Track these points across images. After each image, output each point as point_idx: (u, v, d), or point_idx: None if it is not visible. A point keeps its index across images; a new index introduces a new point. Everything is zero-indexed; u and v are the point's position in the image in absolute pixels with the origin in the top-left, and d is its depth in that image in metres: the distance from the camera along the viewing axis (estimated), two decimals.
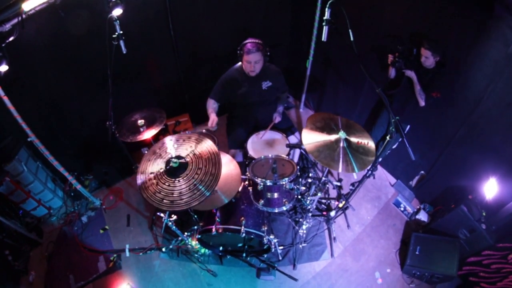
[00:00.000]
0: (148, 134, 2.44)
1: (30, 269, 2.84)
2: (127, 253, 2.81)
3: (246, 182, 2.42)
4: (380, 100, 3.15)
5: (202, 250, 2.75)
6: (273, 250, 2.49)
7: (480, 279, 2.48)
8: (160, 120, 2.55)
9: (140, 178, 1.85)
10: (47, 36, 2.44)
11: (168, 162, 1.88)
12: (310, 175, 2.69)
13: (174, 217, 2.27)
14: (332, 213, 2.79)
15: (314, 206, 2.51)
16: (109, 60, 2.08)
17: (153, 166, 1.90)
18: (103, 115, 2.41)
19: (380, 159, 2.21)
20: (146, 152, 2.10)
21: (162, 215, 2.24)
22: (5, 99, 2.15)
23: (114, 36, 2.01)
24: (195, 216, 2.49)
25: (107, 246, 2.93)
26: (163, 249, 2.80)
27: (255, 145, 2.65)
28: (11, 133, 2.70)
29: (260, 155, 2.36)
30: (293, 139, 2.82)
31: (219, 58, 3.17)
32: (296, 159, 2.84)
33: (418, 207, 3.13)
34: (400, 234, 2.99)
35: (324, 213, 2.92)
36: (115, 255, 2.82)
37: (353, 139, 2.13)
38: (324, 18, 1.92)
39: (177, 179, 1.83)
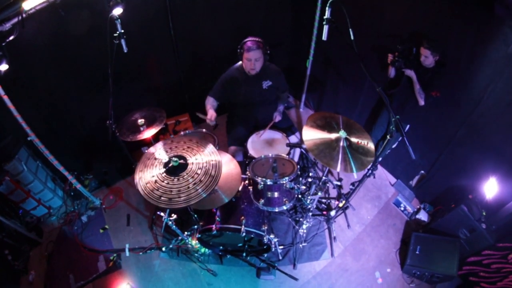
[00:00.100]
0: (148, 133, 2.44)
1: (30, 268, 2.83)
2: (127, 253, 2.81)
3: (246, 182, 2.42)
4: (380, 99, 3.16)
5: (202, 250, 2.75)
6: (273, 249, 2.49)
7: (480, 279, 2.48)
8: (160, 119, 2.54)
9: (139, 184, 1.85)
10: (47, 35, 2.44)
11: (168, 161, 1.88)
12: (311, 174, 2.69)
13: (174, 216, 2.26)
14: (332, 213, 2.79)
15: (315, 206, 2.51)
16: (110, 59, 2.08)
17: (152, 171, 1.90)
18: (103, 114, 2.41)
19: (380, 159, 2.20)
20: (146, 151, 2.09)
21: (162, 214, 2.24)
22: (5, 98, 2.15)
23: (115, 35, 2.01)
24: (195, 216, 2.48)
25: (107, 246, 2.93)
26: (163, 249, 2.80)
27: (255, 145, 2.65)
28: (11, 133, 2.69)
29: (261, 154, 2.37)
30: (293, 138, 2.82)
31: (219, 58, 3.17)
32: (296, 159, 2.84)
33: (418, 206, 3.13)
34: (400, 234, 2.99)
35: (324, 212, 2.92)
36: (115, 255, 2.82)
37: (353, 139, 2.12)
38: (325, 17, 1.92)
39: (176, 177, 1.82)
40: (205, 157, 1.94)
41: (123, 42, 2.07)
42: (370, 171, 2.23)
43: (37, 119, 2.67)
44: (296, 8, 3.58)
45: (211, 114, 2.57)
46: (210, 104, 2.67)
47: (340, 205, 2.74)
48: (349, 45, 1.83)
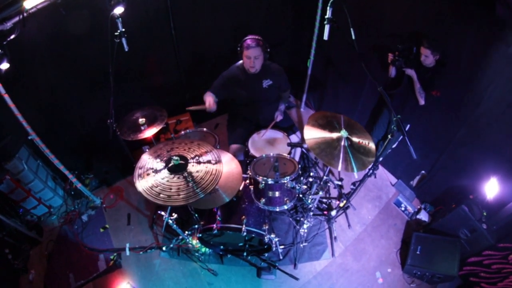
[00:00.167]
0: (149, 132, 2.43)
1: (30, 267, 2.83)
2: (128, 252, 2.81)
3: (247, 181, 2.42)
4: (380, 100, 3.16)
5: (203, 249, 2.75)
6: (274, 249, 2.49)
7: (481, 279, 2.47)
8: (161, 118, 2.54)
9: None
10: (48, 34, 2.44)
11: (169, 159, 1.87)
12: (311, 174, 2.69)
13: (174, 215, 2.26)
14: (333, 213, 2.79)
15: (315, 205, 2.51)
16: (111, 58, 2.08)
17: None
18: (103, 113, 2.41)
19: (381, 159, 2.20)
20: (147, 150, 2.09)
21: (162, 213, 2.23)
22: (6, 96, 2.15)
23: (116, 33, 2.01)
24: (196, 215, 2.48)
25: (107, 245, 2.92)
26: (164, 248, 2.80)
27: (256, 144, 2.65)
28: (12, 132, 2.69)
29: (262, 154, 2.36)
30: (294, 138, 2.82)
31: (220, 58, 3.17)
32: (297, 159, 2.84)
33: (419, 207, 3.13)
34: (401, 234, 2.99)
35: (325, 212, 2.92)
36: (115, 254, 2.81)
37: (355, 139, 2.12)
38: (326, 16, 1.92)
39: (177, 176, 1.82)
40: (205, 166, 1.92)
41: (124, 41, 2.07)
42: (371, 171, 2.23)
43: (37, 118, 2.66)
44: (297, 8, 3.58)
45: (209, 100, 2.52)
46: (209, 95, 2.62)
47: (341, 205, 2.74)
48: (350, 45, 1.83)
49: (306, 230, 2.69)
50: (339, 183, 3.06)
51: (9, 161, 2.70)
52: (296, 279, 2.60)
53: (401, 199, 3.18)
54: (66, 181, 3.28)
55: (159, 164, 1.88)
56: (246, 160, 2.66)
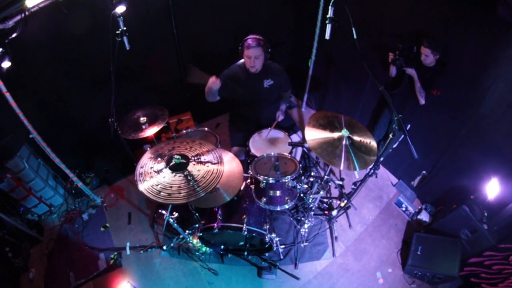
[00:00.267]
0: (150, 131, 2.43)
1: (30, 266, 2.83)
2: (128, 251, 2.80)
3: (248, 180, 2.42)
4: (381, 100, 3.16)
5: (203, 249, 2.74)
6: (274, 248, 2.49)
7: (482, 280, 2.47)
8: (162, 117, 2.54)
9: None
10: (49, 33, 2.44)
11: (170, 158, 1.88)
12: (312, 174, 2.69)
13: (175, 214, 2.25)
14: (334, 212, 2.78)
15: (316, 205, 2.51)
16: (112, 56, 2.08)
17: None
18: (105, 112, 2.41)
19: (382, 159, 2.20)
20: (148, 148, 2.09)
21: (163, 212, 2.23)
22: (7, 95, 2.15)
23: (117, 32, 2.01)
24: (197, 214, 2.48)
25: (108, 244, 2.92)
26: (164, 247, 2.79)
27: (257, 144, 2.65)
28: (13, 130, 2.69)
29: (263, 153, 2.36)
30: (295, 137, 2.82)
31: (221, 57, 3.16)
32: (298, 158, 2.84)
33: (419, 207, 3.13)
34: (402, 234, 2.99)
35: (326, 212, 2.92)
36: (115, 253, 2.81)
37: (356, 138, 2.12)
38: (327, 16, 1.92)
39: (177, 174, 1.82)
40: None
41: (125, 39, 2.06)
42: (372, 171, 2.23)
43: (39, 117, 2.67)
44: (298, 8, 3.58)
45: (213, 77, 2.43)
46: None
47: (342, 204, 2.74)
48: (351, 44, 1.83)
49: (307, 230, 2.68)
50: (340, 182, 3.05)
51: (10, 160, 2.71)
52: (297, 278, 2.60)
53: (402, 199, 3.18)
54: (67, 180, 3.28)
55: (160, 165, 1.88)
56: (247, 160, 2.65)
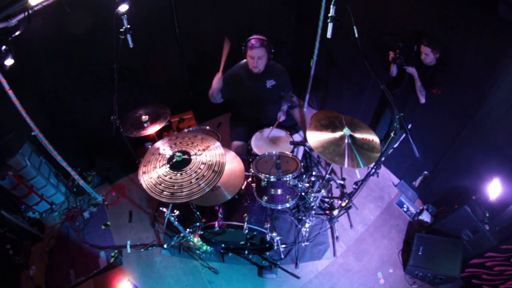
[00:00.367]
0: (152, 129, 2.44)
1: (31, 263, 2.83)
2: (129, 249, 2.81)
3: (249, 179, 2.42)
4: (382, 100, 3.17)
5: (204, 247, 2.74)
6: (275, 248, 2.48)
7: (483, 281, 2.46)
8: (164, 116, 2.54)
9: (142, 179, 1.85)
10: (52, 31, 2.45)
11: (172, 156, 1.88)
12: (314, 173, 2.68)
13: (176, 212, 2.26)
14: (335, 212, 2.78)
15: (318, 204, 2.50)
16: (115, 54, 2.08)
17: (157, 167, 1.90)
18: (107, 111, 2.41)
19: (383, 158, 2.20)
20: (149, 146, 2.09)
21: (164, 209, 2.23)
22: (10, 92, 2.16)
23: (121, 30, 2.02)
24: (198, 213, 2.48)
25: (109, 242, 2.92)
26: (165, 246, 2.79)
27: (258, 142, 2.65)
28: (15, 128, 2.70)
29: (264, 152, 2.36)
30: (297, 137, 2.82)
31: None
32: (299, 158, 2.83)
33: (421, 207, 3.12)
34: (403, 235, 2.98)
35: (327, 212, 2.91)
36: (116, 251, 2.81)
37: (358, 135, 2.12)
38: (329, 15, 1.93)
39: (179, 172, 1.82)
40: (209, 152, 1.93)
41: (129, 37, 2.07)
42: (373, 170, 2.23)
43: (41, 115, 2.66)
44: (300, 7, 3.59)
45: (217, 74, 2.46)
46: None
47: (343, 204, 2.73)
48: (353, 44, 1.83)
49: (308, 229, 2.68)
50: (342, 182, 3.05)
51: (12, 157, 2.72)
52: (298, 278, 2.59)
53: (403, 200, 3.17)
54: (69, 178, 3.28)
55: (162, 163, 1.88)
56: (248, 158, 2.65)
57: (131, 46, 2.11)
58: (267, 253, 2.64)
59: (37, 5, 2.17)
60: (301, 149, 2.86)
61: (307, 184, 2.32)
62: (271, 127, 2.71)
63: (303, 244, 2.77)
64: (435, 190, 3.07)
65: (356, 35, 1.84)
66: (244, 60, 2.63)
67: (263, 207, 2.40)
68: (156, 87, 3.41)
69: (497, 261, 2.40)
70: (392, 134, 1.89)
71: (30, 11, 2.08)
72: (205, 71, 3.53)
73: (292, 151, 2.47)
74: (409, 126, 2.76)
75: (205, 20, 3.19)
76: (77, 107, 3.00)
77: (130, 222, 3.08)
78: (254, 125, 2.87)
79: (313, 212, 2.55)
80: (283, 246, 2.75)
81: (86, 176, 3.34)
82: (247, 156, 2.75)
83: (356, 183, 2.53)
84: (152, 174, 1.82)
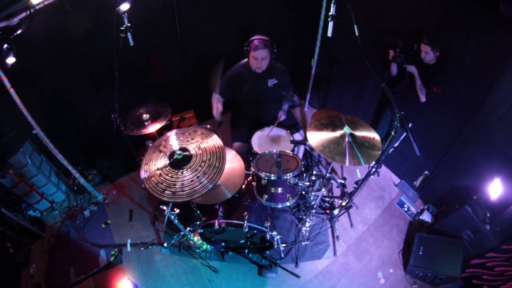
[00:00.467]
0: (152, 128, 2.44)
1: (31, 262, 2.84)
2: (129, 248, 2.81)
3: (250, 178, 2.42)
4: (383, 99, 3.17)
5: (204, 246, 2.74)
6: (275, 247, 2.48)
7: (484, 282, 2.44)
8: (165, 114, 2.55)
9: (143, 173, 1.86)
10: (54, 30, 2.47)
11: (172, 154, 1.88)
12: (314, 172, 2.68)
13: (177, 210, 2.26)
14: (336, 212, 2.77)
15: (318, 203, 2.50)
16: (116, 52, 2.09)
17: (158, 162, 1.90)
18: (107, 109, 2.42)
19: (383, 158, 2.19)
20: (150, 144, 2.10)
21: (164, 207, 2.23)
22: (11, 91, 2.17)
23: (122, 28, 2.03)
24: (198, 212, 2.48)
25: (109, 241, 2.93)
26: (165, 245, 2.79)
27: (259, 141, 2.65)
28: (16, 126, 2.71)
29: (265, 150, 2.36)
30: (297, 136, 2.82)
31: (225, 55, 3.17)
32: (300, 157, 2.83)
33: (422, 207, 3.11)
34: (404, 235, 2.97)
35: (328, 211, 2.91)
36: (116, 250, 2.82)
37: (358, 134, 2.12)
38: (330, 13, 1.94)
39: (180, 171, 1.82)
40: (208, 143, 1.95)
41: (129, 35, 2.08)
42: (374, 169, 2.22)
43: (42, 113, 2.67)
44: (301, 7, 3.60)
45: (216, 107, 2.57)
46: (216, 100, 2.67)
47: (344, 204, 2.73)
48: (354, 43, 1.84)
49: (308, 229, 2.68)
50: (342, 181, 3.05)
51: (13, 156, 2.73)
52: (298, 277, 2.58)
53: (404, 200, 3.16)
54: (69, 177, 3.29)
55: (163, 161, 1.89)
56: (249, 157, 2.65)
57: (131, 44, 2.11)
58: (267, 252, 2.64)
59: (38, 3, 2.17)
60: (301, 149, 2.86)
61: (308, 183, 2.31)
62: (271, 126, 2.71)
63: (303, 243, 2.77)
64: (435, 189, 3.06)
65: (357, 34, 1.84)
66: (245, 60, 2.63)
67: (264, 206, 2.40)
68: (157, 86, 3.42)
69: (498, 261, 2.39)
70: (392, 133, 1.89)
71: (31, 10, 2.10)
72: (206, 70, 3.55)
73: (293, 150, 2.47)
74: (410, 125, 2.76)
75: (206, 19, 3.19)
76: (78, 106, 3.01)
77: (130, 221, 3.08)
78: (255, 124, 2.87)
79: (314, 211, 2.55)
80: (283, 245, 2.74)
81: (86, 175, 3.35)
82: (247, 155, 2.75)
83: (356, 183, 2.53)
84: (151, 166, 1.83)
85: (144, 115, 2.49)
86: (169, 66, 3.39)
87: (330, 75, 3.69)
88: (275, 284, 2.61)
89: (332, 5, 1.96)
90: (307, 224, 2.63)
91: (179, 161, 1.86)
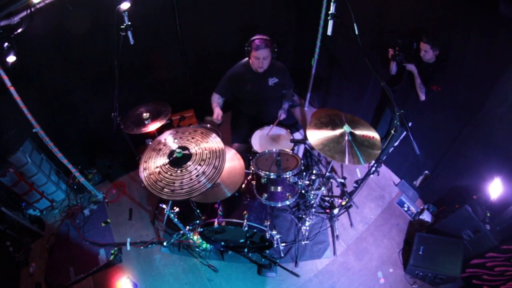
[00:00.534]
0: (152, 126, 2.44)
1: (30, 260, 2.84)
2: (128, 247, 2.81)
3: (250, 177, 2.41)
4: (383, 98, 3.16)
5: (204, 245, 2.74)
6: (275, 246, 2.47)
7: (484, 282, 2.44)
8: (165, 113, 2.55)
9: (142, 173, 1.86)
10: (54, 28, 2.47)
11: (172, 152, 1.88)
12: (314, 172, 2.68)
13: (176, 209, 2.25)
14: (335, 211, 2.77)
15: (318, 202, 2.50)
16: (116, 51, 2.10)
17: (157, 160, 1.90)
18: (107, 108, 2.42)
19: (384, 157, 2.19)
20: (150, 143, 2.10)
21: (164, 206, 2.23)
22: (12, 89, 2.17)
23: (122, 27, 2.03)
24: (198, 211, 2.48)
25: (109, 240, 2.93)
26: (165, 243, 2.79)
27: (259, 140, 2.65)
28: (16, 125, 2.72)
29: (264, 149, 2.36)
30: (297, 136, 2.82)
31: (225, 55, 3.20)
32: (300, 156, 2.83)
33: (422, 207, 3.11)
34: (404, 234, 2.96)
35: (327, 210, 2.90)
36: (116, 249, 2.82)
37: (358, 132, 2.12)
38: (329, 12, 1.94)
39: (180, 169, 1.82)
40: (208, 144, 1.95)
41: (129, 34, 2.08)
42: (374, 168, 2.22)
43: (42, 112, 2.68)
44: (302, 6, 3.60)
45: (217, 113, 2.57)
46: (216, 102, 2.67)
47: (344, 203, 2.73)
48: (354, 42, 1.84)
49: (308, 228, 2.68)
50: (342, 181, 3.04)
51: (13, 154, 2.73)
52: (297, 275, 2.58)
53: (404, 199, 3.16)
54: (69, 176, 3.30)
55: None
56: (248, 156, 2.65)
57: (131, 43, 2.12)
58: (267, 251, 2.64)
59: (39, 2, 2.18)
60: (301, 147, 2.86)
61: (307, 182, 2.31)
62: (271, 125, 2.71)
63: (303, 243, 2.77)
64: (436, 189, 3.06)
65: (357, 33, 1.84)
66: (246, 59, 2.63)
67: (263, 205, 2.40)
68: (157, 85, 3.42)
69: (498, 261, 2.39)
70: (392, 132, 1.88)
71: (32, 9, 2.10)
72: (206, 70, 3.57)
73: (293, 150, 2.47)
74: (410, 124, 2.75)
75: (206, 19, 3.19)
76: (78, 105, 3.01)
77: (130, 220, 3.08)
78: (255, 124, 2.87)
79: (313, 210, 2.55)
80: (283, 244, 2.74)
81: (86, 174, 3.36)
82: (247, 154, 2.75)
83: (356, 182, 2.53)
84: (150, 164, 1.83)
85: (144, 114, 2.49)
86: (169, 65, 3.39)
87: (330, 75, 3.69)
88: (275, 283, 2.61)
89: (332, 3, 1.96)
90: (307, 223, 2.63)
91: (178, 160, 1.86)
